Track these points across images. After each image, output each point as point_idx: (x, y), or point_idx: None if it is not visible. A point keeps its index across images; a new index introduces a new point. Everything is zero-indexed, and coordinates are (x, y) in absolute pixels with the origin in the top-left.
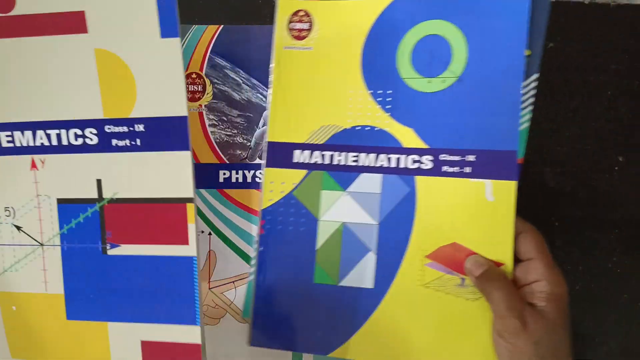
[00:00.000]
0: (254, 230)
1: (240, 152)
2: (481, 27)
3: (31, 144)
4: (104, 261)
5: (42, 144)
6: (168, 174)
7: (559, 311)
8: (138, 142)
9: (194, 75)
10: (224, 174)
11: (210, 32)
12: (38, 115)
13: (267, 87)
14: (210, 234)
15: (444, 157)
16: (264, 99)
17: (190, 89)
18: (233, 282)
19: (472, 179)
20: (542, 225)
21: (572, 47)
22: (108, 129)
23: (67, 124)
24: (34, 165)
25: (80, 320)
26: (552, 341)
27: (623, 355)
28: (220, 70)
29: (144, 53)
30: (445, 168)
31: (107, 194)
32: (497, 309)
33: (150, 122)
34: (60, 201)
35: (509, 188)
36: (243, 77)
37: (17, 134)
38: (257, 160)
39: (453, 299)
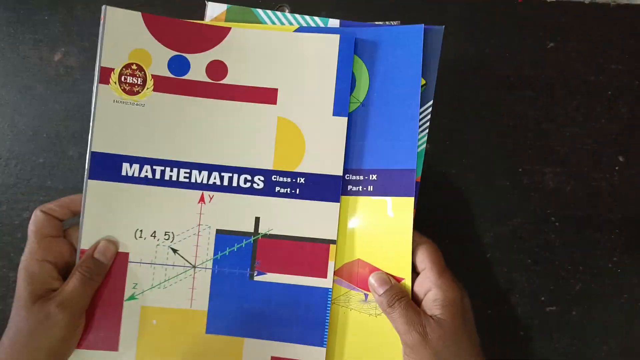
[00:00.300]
0: None
1: None
2: (381, 59)
3: (205, 182)
4: (250, 285)
5: (214, 183)
6: (318, 219)
7: (455, 316)
8: (297, 191)
9: None
10: None
11: None
12: (217, 159)
13: None
14: None
15: (348, 176)
16: None
17: None
18: None
19: (375, 197)
20: (542, 225)
21: (572, 47)
22: (274, 178)
23: (240, 170)
24: (202, 200)
25: (218, 335)
26: (453, 348)
27: (623, 355)
28: None
29: (317, 125)
30: (350, 187)
31: (262, 230)
32: (397, 325)
33: (310, 177)
34: (219, 231)
35: (407, 204)
36: None
37: (194, 172)
38: None
39: (357, 315)
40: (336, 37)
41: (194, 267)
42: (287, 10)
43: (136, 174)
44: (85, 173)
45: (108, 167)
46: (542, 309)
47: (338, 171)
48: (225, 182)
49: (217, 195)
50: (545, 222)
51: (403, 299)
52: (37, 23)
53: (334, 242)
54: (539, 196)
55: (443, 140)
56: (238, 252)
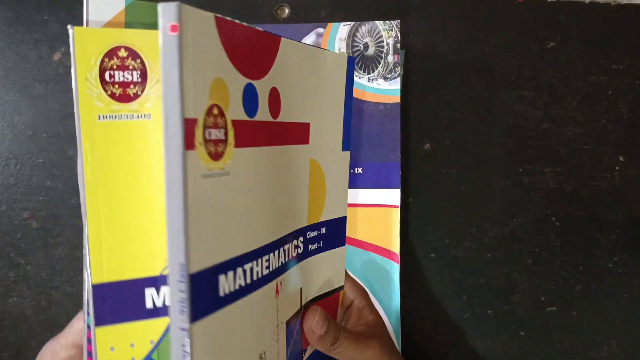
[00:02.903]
0: None
1: None
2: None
3: (278, 265)
4: None
5: (281, 262)
6: (331, 269)
7: (381, 335)
8: (321, 243)
9: None
10: None
11: None
12: (283, 229)
13: None
14: None
15: None
16: None
17: None
18: None
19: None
20: (542, 225)
21: (573, 46)
22: (309, 235)
23: (292, 236)
24: (277, 291)
25: None
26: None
27: (624, 356)
28: None
29: (332, 164)
30: None
31: (304, 301)
32: (350, 354)
33: (329, 224)
34: (287, 323)
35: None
36: None
37: (271, 256)
38: None
39: None
40: (344, 56)
41: None
42: (287, 11)
43: (232, 288)
44: (183, 315)
45: (208, 291)
46: (543, 309)
47: (344, 212)
48: (284, 258)
49: (284, 277)
50: (545, 222)
51: (343, 332)
52: (37, 23)
53: (341, 288)
54: (540, 196)
55: (443, 140)
56: (291, 335)
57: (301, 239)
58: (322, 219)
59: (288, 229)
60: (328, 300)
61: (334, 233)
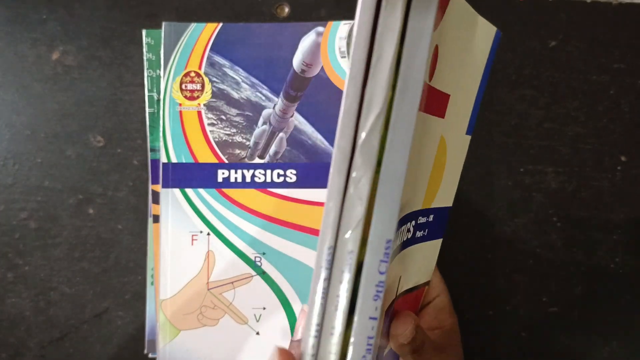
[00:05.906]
0: (253, 230)
1: (239, 152)
2: None
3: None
4: None
5: (396, 245)
6: (426, 261)
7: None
8: (426, 232)
9: (192, 74)
10: (223, 173)
11: (209, 30)
12: (407, 208)
13: (266, 86)
14: (208, 234)
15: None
16: (263, 98)
17: (188, 88)
18: (232, 282)
19: None
20: (544, 226)
21: (574, 45)
22: (419, 220)
23: (410, 217)
24: None
25: None
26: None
27: (626, 357)
28: (219, 69)
29: (455, 148)
30: None
31: (399, 291)
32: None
33: (437, 212)
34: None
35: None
36: (242, 76)
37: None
38: (256, 160)
39: None
40: (493, 29)
41: None
42: (286, 9)
43: None
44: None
45: None
46: (544, 310)
47: (451, 201)
48: (399, 240)
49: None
50: (547, 223)
51: (427, 343)
52: (35, 22)
53: (428, 283)
54: (541, 196)
55: None
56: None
57: (413, 222)
58: (433, 205)
59: (412, 207)
60: (416, 294)
61: (439, 223)
